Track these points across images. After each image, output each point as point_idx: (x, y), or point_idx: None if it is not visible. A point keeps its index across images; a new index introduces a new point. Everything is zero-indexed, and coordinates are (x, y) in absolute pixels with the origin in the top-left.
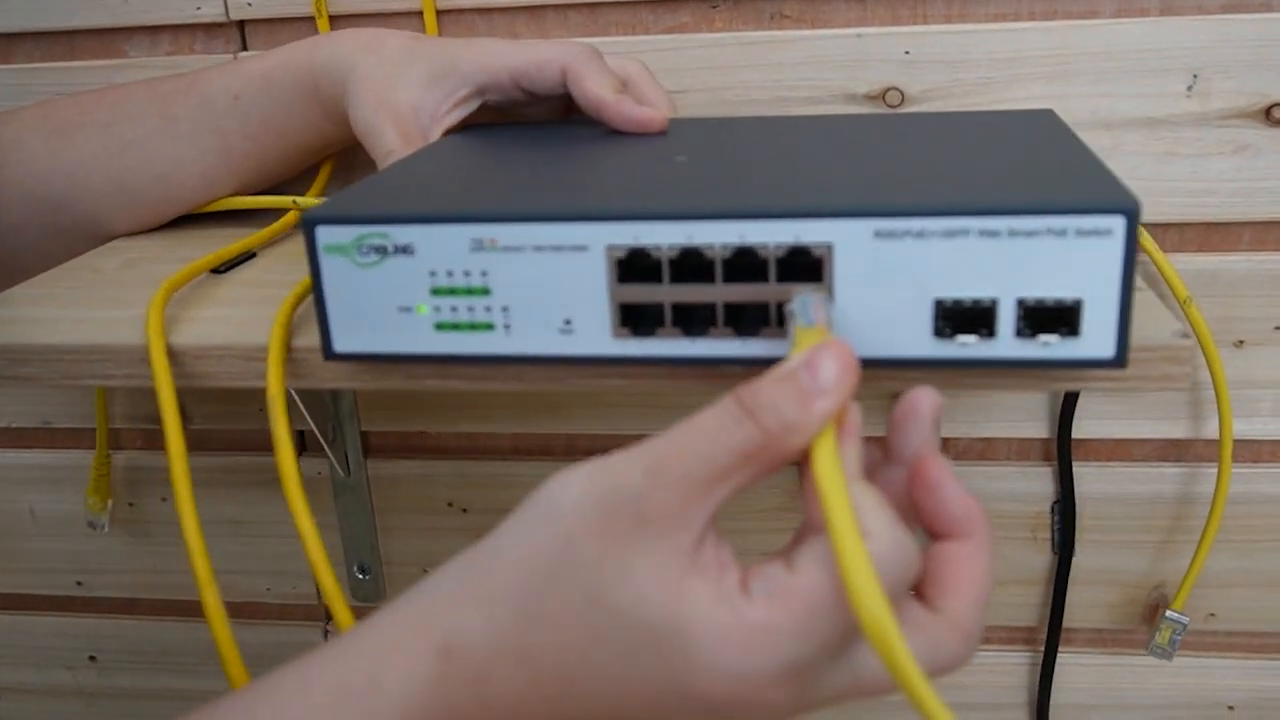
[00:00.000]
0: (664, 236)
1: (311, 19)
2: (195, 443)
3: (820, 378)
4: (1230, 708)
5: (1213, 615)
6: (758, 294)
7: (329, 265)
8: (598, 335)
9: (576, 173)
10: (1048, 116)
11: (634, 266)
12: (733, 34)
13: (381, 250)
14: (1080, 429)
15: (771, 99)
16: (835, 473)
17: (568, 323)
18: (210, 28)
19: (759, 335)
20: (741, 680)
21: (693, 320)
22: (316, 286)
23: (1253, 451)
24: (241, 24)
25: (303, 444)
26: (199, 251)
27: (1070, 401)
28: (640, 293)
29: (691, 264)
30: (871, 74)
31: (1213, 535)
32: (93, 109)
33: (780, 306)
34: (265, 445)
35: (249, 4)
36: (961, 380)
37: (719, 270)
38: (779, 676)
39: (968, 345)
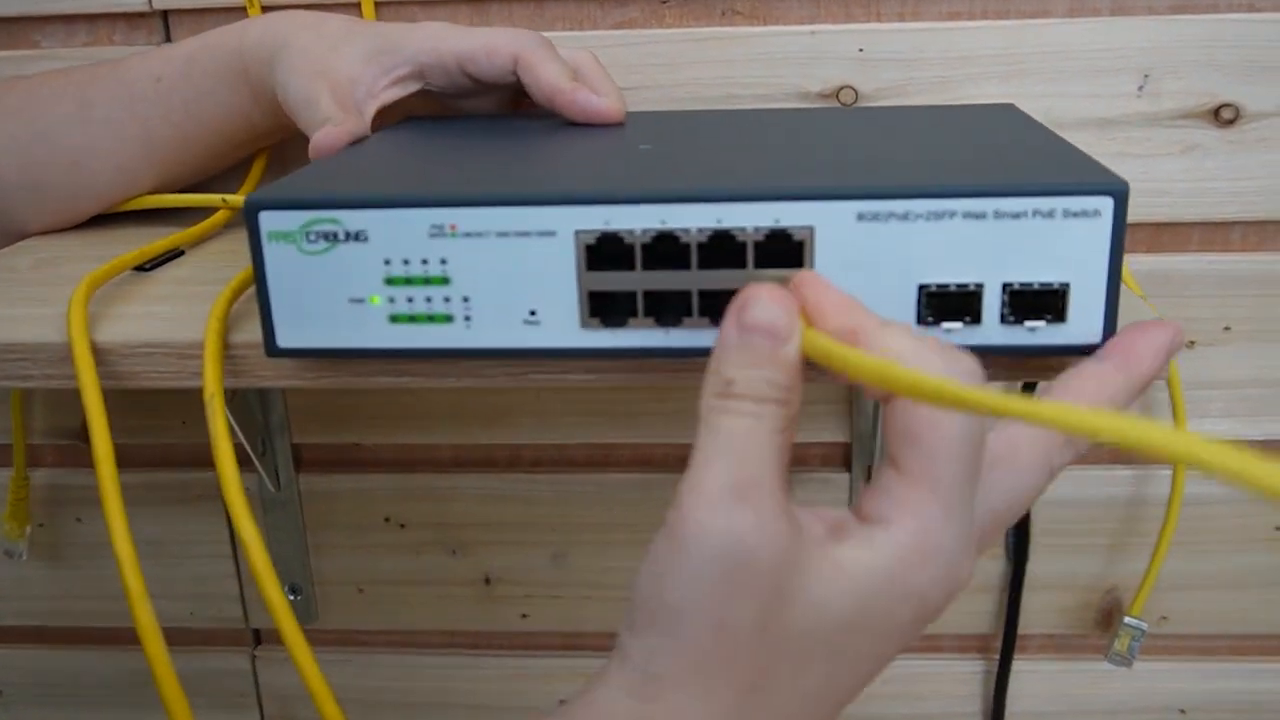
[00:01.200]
0: (637, 220)
1: (242, 8)
2: None
3: (757, 319)
4: (1182, 711)
5: (1165, 618)
6: (735, 280)
7: (273, 254)
8: (565, 326)
9: (538, 158)
10: (1011, 110)
11: (604, 253)
12: (683, 30)
13: (331, 237)
14: None
15: (723, 96)
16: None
17: (533, 314)
18: (131, 17)
19: None
20: (948, 564)
21: (666, 309)
22: (259, 277)
23: None
24: (165, 14)
25: None
26: (120, 250)
27: None
28: (611, 280)
29: (665, 250)
30: (825, 71)
31: (1168, 539)
32: (0, 96)
33: None
34: (188, 460)
35: None
36: None
37: (694, 256)
38: (959, 542)
39: (953, 332)
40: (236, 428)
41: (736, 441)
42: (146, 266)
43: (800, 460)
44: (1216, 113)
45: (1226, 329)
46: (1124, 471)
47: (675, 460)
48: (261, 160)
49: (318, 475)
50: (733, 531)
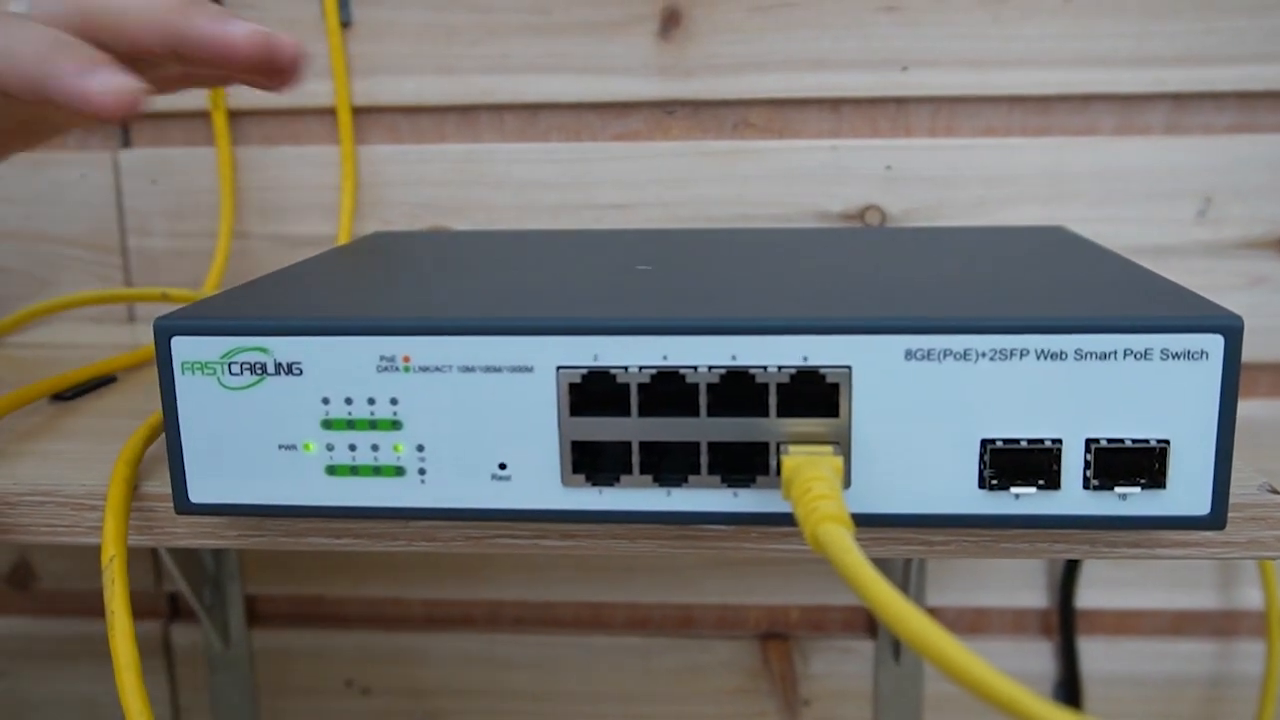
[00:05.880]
0: (633, 355)
1: (206, 114)
2: (43, 606)
3: None
4: None
5: None
6: (753, 431)
7: (188, 388)
8: (543, 484)
9: (512, 278)
10: (1063, 233)
11: (592, 394)
12: (691, 143)
13: (259, 369)
14: (1083, 598)
15: (734, 216)
16: None
17: (503, 467)
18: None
19: (753, 485)
20: None
21: (668, 465)
22: (169, 416)
23: None
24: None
25: (174, 609)
26: (44, 371)
27: (1072, 566)
28: (600, 428)
29: (667, 392)
30: (848, 190)
31: None
32: None
33: (781, 447)
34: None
35: None
36: (1015, 543)
37: (703, 400)
38: None
39: (1024, 499)
40: (178, 575)
41: None
42: (67, 394)
43: (818, 625)
44: None
45: None
46: (1188, 645)
47: (675, 622)
48: (223, 260)
49: (273, 631)
50: None
